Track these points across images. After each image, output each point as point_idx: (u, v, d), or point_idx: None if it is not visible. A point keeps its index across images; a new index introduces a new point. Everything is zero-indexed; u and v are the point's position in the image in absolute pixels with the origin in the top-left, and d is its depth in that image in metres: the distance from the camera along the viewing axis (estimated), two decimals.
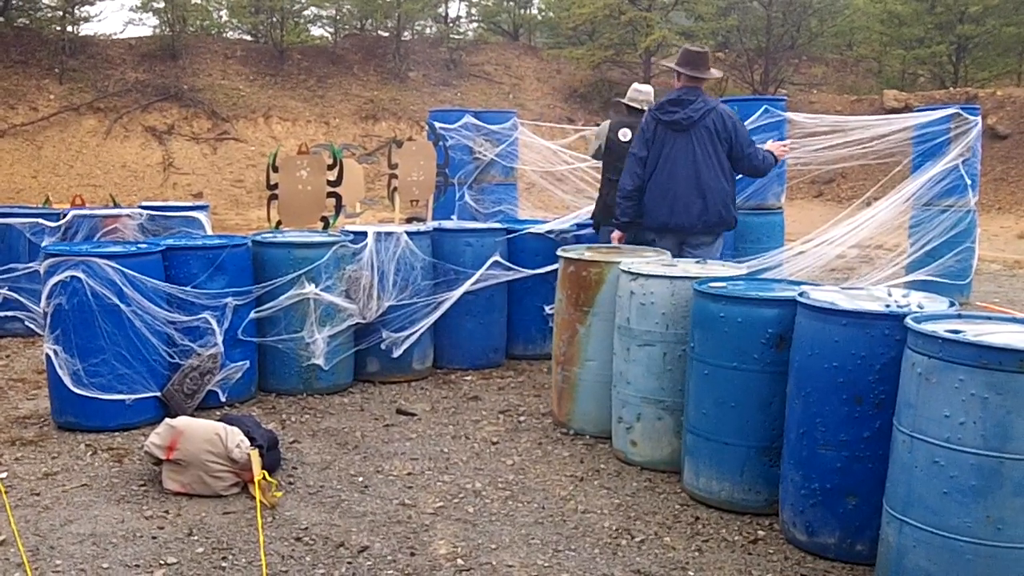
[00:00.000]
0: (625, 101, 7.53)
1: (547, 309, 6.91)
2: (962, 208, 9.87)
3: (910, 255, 9.58)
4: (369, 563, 4.05)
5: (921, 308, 4.05)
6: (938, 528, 3.50)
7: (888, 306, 4.11)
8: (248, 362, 6.24)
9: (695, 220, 6.33)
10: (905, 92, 24.90)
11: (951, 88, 24.98)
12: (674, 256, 6.14)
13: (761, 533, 4.45)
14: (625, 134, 7.16)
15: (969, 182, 9.90)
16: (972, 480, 3.39)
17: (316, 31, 29.64)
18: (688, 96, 6.34)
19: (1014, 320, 3.96)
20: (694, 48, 6.60)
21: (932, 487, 3.50)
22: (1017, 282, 12.39)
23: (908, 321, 3.65)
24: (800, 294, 4.32)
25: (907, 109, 20.10)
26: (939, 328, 3.58)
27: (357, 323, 6.61)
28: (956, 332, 3.50)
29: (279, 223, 7.39)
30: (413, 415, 6.17)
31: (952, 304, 4.18)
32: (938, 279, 9.79)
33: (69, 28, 23.55)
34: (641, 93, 7.53)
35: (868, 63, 31.34)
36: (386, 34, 28.27)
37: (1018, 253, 15.14)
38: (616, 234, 6.80)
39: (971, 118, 9.90)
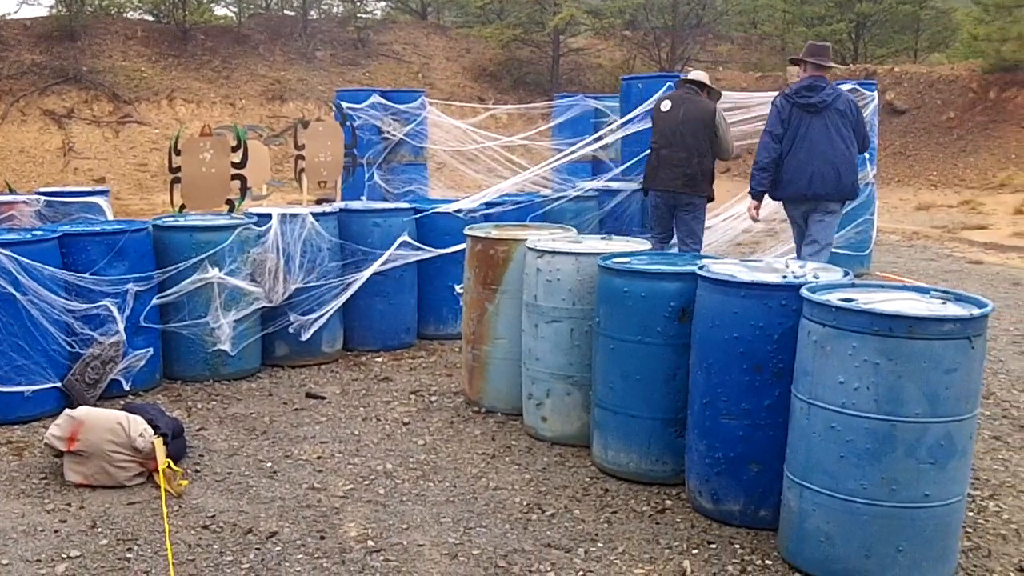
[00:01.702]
0: (689, 77, 7.89)
1: (457, 288, 6.91)
2: (861, 182, 10.10)
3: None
4: (278, 548, 4.02)
5: (816, 279, 4.15)
6: (836, 491, 3.61)
7: (785, 277, 4.21)
8: (152, 349, 6.11)
9: (830, 189, 7.03)
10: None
11: (851, 65, 25.55)
12: (801, 223, 7.24)
13: (669, 503, 4.53)
14: (665, 105, 7.64)
15: (868, 156, 10.13)
16: (867, 444, 3.51)
17: (220, 11, 29.09)
18: (819, 83, 7.08)
19: (905, 288, 4.09)
20: (818, 42, 7.54)
21: (829, 452, 3.60)
22: (915, 252, 12.77)
23: (803, 291, 3.75)
24: (700, 267, 4.39)
25: None
26: (833, 297, 3.68)
27: (264, 307, 6.52)
28: (849, 301, 3.60)
29: (183, 207, 7.26)
30: (323, 398, 6.12)
31: (846, 274, 4.29)
32: (840, 251, 10.02)
33: None
34: (699, 74, 7.95)
35: (772, 40, 31.88)
36: (292, 13, 27.82)
37: (916, 224, 15.59)
38: (752, 203, 7.40)
39: (868, 94, 10.14)
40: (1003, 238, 14.30)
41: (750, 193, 7.35)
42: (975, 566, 3.93)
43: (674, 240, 7.97)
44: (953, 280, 10.20)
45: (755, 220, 7.66)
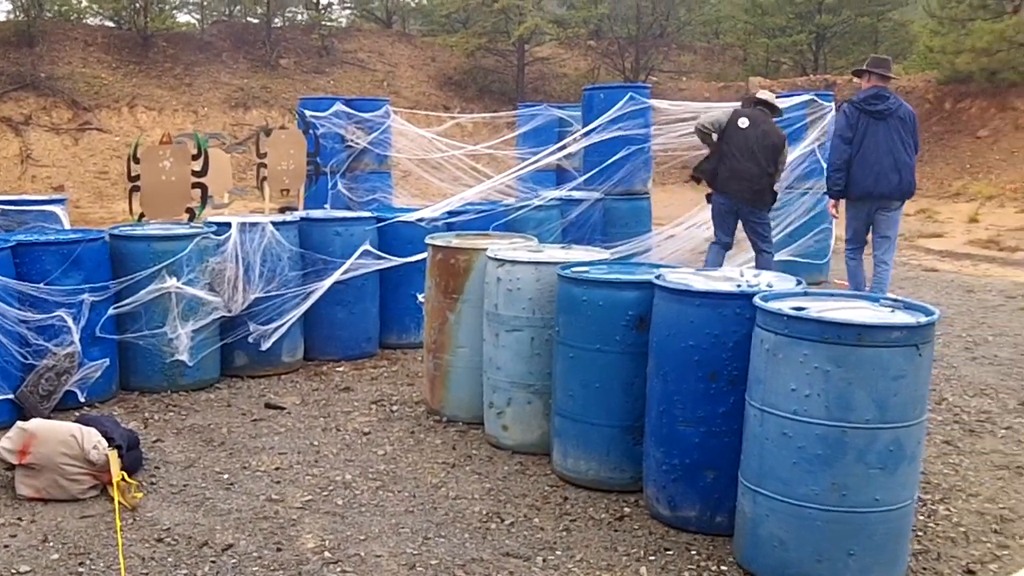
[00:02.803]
0: (755, 95, 8.56)
1: (419, 297, 6.91)
2: (819, 191, 10.21)
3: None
4: (234, 561, 4.00)
5: (770, 287, 4.20)
6: (789, 497, 3.65)
7: (739, 286, 4.25)
8: (108, 360, 6.06)
9: (894, 189, 7.78)
10: (769, 79, 25.67)
11: (811, 75, 25.86)
12: (866, 221, 7.97)
13: (627, 510, 4.56)
14: (743, 122, 8.10)
15: (825, 165, 10.23)
16: (818, 450, 3.55)
17: (182, 18, 28.86)
18: (884, 92, 7.84)
19: (856, 296, 4.15)
20: (881, 56, 8.39)
21: (782, 458, 3.65)
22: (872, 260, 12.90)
23: (756, 300, 3.80)
24: (657, 276, 4.43)
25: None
26: (784, 306, 3.73)
27: (222, 316, 6.49)
28: (800, 309, 3.65)
29: (142, 216, 7.20)
30: (282, 409, 6.09)
31: (799, 283, 4.34)
32: (798, 259, 10.15)
33: None
34: (771, 96, 8.56)
35: (734, 51, 32.17)
36: (256, 21, 27.67)
37: None
38: (831, 202, 8.31)
39: (826, 104, 10.27)
40: (957, 246, 14.52)
41: (827, 193, 8.25)
42: (925, 569, 3.99)
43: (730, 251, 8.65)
44: (909, 287, 10.35)
45: (835, 217, 8.70)
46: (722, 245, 8.44)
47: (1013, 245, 14.54)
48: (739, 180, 8.06)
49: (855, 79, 8.44)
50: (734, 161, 8.04)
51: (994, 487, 4.91)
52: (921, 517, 4.48)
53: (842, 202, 8.19)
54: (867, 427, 3.50)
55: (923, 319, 3.59)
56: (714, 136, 8.16)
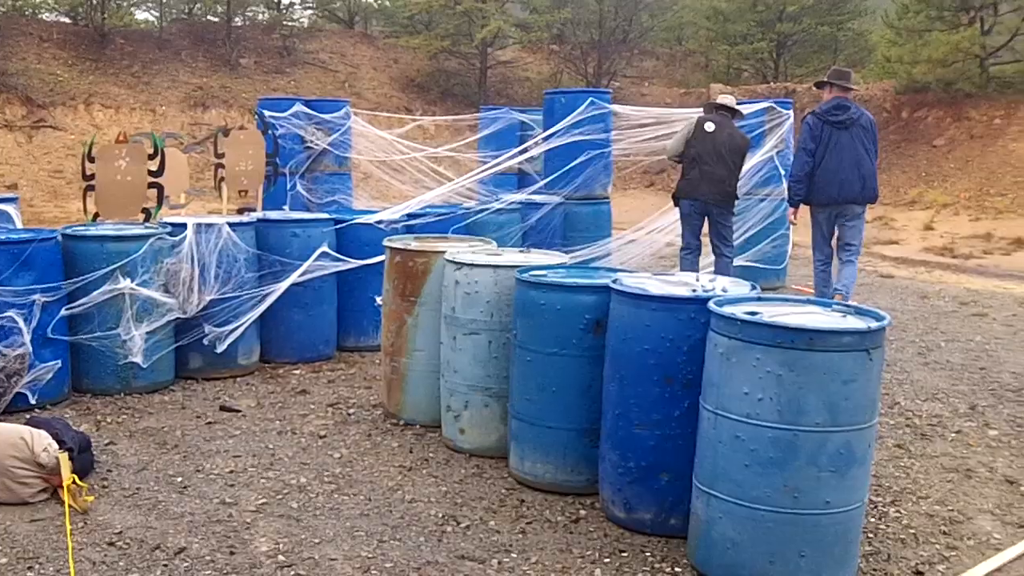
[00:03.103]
0: (716, 101, 8.83)
1: (377, 300, 6.89)
2: (777, 197, 10.33)
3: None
4: (186, 564, 3.96)
5: (725, 292, 4.24)
6: (741, 499, 3.69)
7: (694, 291, 4.29)
8: (60, 362, 5.97)
9: (857, 194, 8.04)
10: (730, 86, 25.86)
11: (772, 83, 26.10)
12: (830, 226, 8.18)
13: (583, 512, 4.57)
14: (710, 126, 8.42)
15: (782, 172, 10.35)
16: (770, 452, 3.59)
17: (141, 15, 28.51)
18: (845, 103, 8.10)
19: (809, 301, 4.19)
20: (842, 68, 8.67)
21: (735, 461, 3.68)
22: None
23: (711, 304, 3.83)
24: (614, 281, 4.45)
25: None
26: (738, 311, 3.76)
27: (177, 318, 6.42)
28: (754, 314, 3.68)
29: (96, 215, 7.12)
30: (237, 411, 6.05)
31: (754, 288, 4.38)
32: (756, 264, 10.25)
33: None
34: (732, 100, 8.87)
35: (696, 57, 32.37)
36: (216, 20, 27.41)
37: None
38: (791, 210, 8.51)
39: (784, 112, 10.37)
40: (913, 253, 14.75)
41: (789, 201, 8.44)
42: (875, 570, 4.05)
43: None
44: (864, 293, 10.47)
45: (794, 224, 8.95)
46: (693, 250, 8.69)
47: (967, 252, 14.79)
48: (710, 183, 8.33)
49: (816, 90, 8.58)
50: (704, 165, 8.32)
51: (944, 490, 4.98)
52: (872, 519, 4.54)
53: (805, 211, 8.36)
54: (818, 430, 3.54)
55: (874, 324, 3.63)
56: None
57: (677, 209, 8.79)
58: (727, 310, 3.76)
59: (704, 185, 8.37)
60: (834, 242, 8.27)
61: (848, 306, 3.98)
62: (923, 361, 7.59)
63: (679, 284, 4.49)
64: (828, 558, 3.67)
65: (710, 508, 3.81)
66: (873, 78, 25.47)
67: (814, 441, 3.54)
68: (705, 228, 8.80)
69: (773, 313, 3.78)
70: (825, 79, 8.37)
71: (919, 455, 5.50)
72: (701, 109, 8.97)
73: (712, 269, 8.51)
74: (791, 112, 10.54)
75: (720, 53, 29.54)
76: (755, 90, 23.96)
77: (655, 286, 4.40)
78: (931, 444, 5.68)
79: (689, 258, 8.71)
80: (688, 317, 4.04)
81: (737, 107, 8.72)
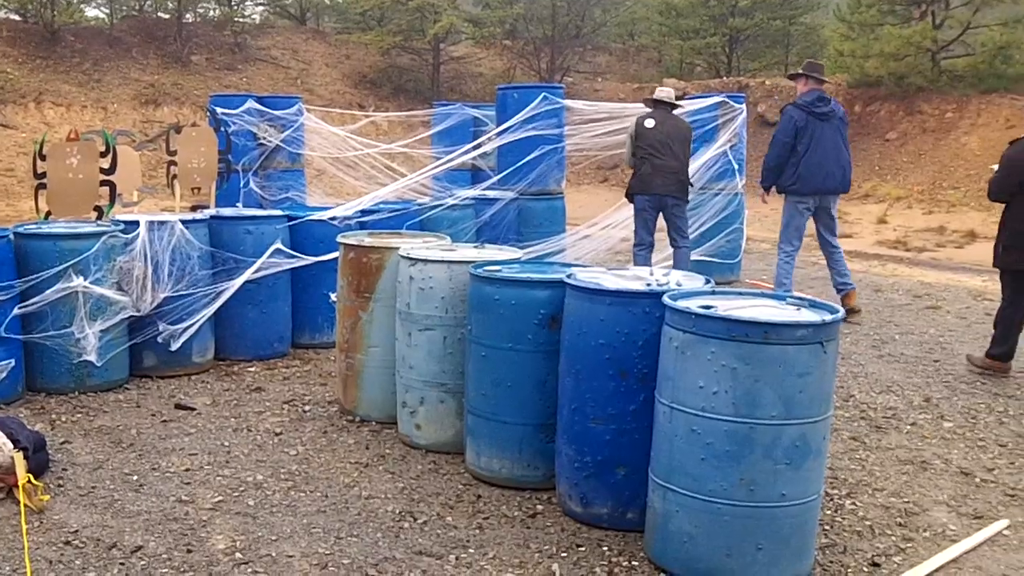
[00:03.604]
0: (653, 96, 8.98)
1: (332, 296, 6.85)
2: (731, 191, 10.42)
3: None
4: (143, 563, 3.92)
5: (679, 286, 4.26)
6: (698, 492, 3.71)
7: (649, 285, 4.31)
8: (13, 361, 5.88)
9: (838, 184, 8.54)
10: (683, 81, 26.03)
11: (724, 77, 26.30)
12: (807, 215, 8.60)
13: (540, 507, 4.58)
14: (649, 122, 8.68)
15: (736, 167, 10.46)
16: (726, 446, 3.62)
17: (91, 12, 28.12)
18: (824, 95, 8.52)
19: (763, 295, 4.23)
20: (816, 61, 9.07)
21: (691, 454, 3.70)
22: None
23: (665, 299, 3.85)
24: (568, 276, 4.46)
25: (685, 97, 21.03)
26: (693, 304, 3.79)
27: (131, 316, 6.35)
28: (708, 308, 3.71)
29: (48, 214, 7.03)
30: (193, 409, 5.99)
31: (708, 281, 4.42)
32: (711, 259, 10.32)
33: None
34: (668, 92, 9.06)
35: (649, 53, 32.54)
36: (167, 16, 27.08)
37: None
38: (763, 193, 8.89)
39: (736, 106, 10.45)
40: (867, 246, 14.94)
41: (762, 185, 8.78)
42: (831, 562, 4.09)
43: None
44: (819, 287, 10.57)
45: (766, 203, 9.23)
46: (646, 246, 8.86)
47: (920, 245, 15.02)
48: (663, 175, 8.58)
49: (791, 82, 8.99)
50: (654, 159, 8.57)
51: (899, 482, 5.05)
52: (828, 511, 4.59)
53: (775, 196, 8.83)
54: (773, 423, 3.57)
55: (828, 317, 3.67)
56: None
57: (631, 205, 8.90)
58: (681, 304, 3.78)
59: (657, 179, 8.59)
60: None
61: (802, 299, 4.03)
62: (878, 354, 7.69)
63: (633, 278, 4.51)
64: (785, 550, 3.71)
65: (666, 502, 3.83)
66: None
67: (769, 434, 3.57)
68: (660, 224, 8.90)
69: (727, 307, 3.81)
70: (800, 71, 8.71)
71: (874, 447, 5.57)
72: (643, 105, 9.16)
73: (669, 263, 8.60)
74: (744, 106, 10.63)
75: (673, 48, 29.73)
76: (708, 85, 24.13)
77: (609, 281, 4.42)
78: (886, 436, 5.76)
79: (643, 254, 8.81)
80: (643, 311, 4.06)
81: (672, 100, 8.94)
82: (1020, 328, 7.01)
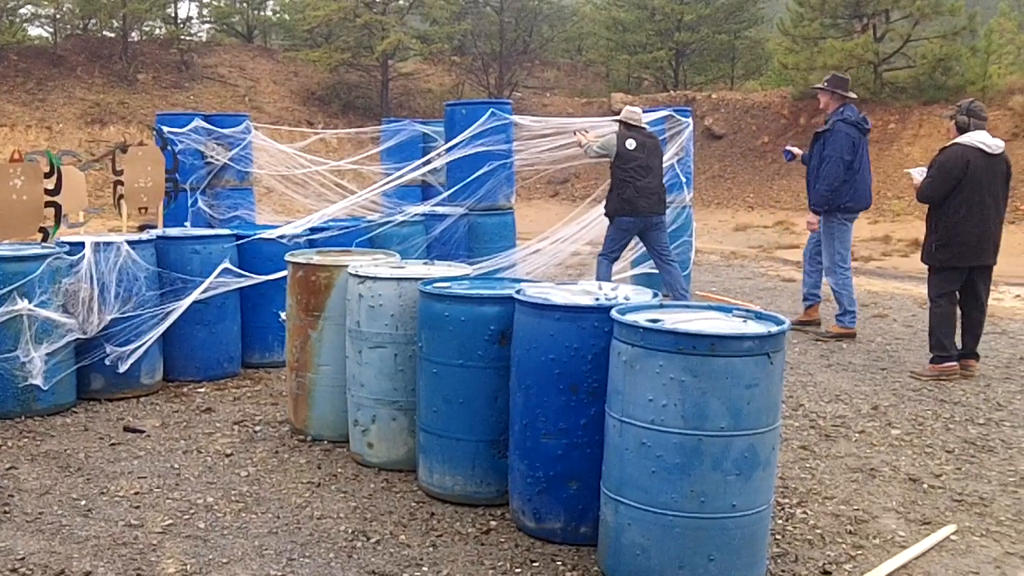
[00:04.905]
0: (623, 119, 8.99)
1: (281, 315, 6.81)
2: (679, 204, 10.51)
3: (635, 250, 10.09)
4: None
5: (628, 300, 4.30)
6: (649, 505, 3.73)
7: (597, 299, 4.34)
8: None
9: (871, 199, 8.73)
10: (631, 95, 26.27)
11: (672, 91, 26.58)
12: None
13: (493, 523, 4.58)
14: (631, 143, 8.71)
15: (684, 180, 10.55)
16: (676, 458, 3.64)
17: (34, 31, 27.76)
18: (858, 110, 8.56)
19: (710, 307, 4.28)
20: (842, 75, 8.92)
21: (641, 467, 3.73)
22: (733, 271, 13.36)
23: (613, 313, 3.88)
24: (517, 291, 4.48)
25: None
26: (640, 318, 3.82)
27: (78, 338, 6.27)
28: (655, 321, 3.74)
29: None
30: (142, 432, 5.92)
31: (655, 295, 4.46)
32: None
33: None
34: (636, 113, 9.11)
35: (597, 67, 32.82)
36: (112, 35, 26.81)
37: (734, 244, 16.31)
38: (814, 219, 8.65)
39: (683, 120, 10.56)
40: None
41: (820, 208, 8.48)
42: (783, 571, 4.14)
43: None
44: (767, 297, 10.71)
45: (815, 229, 8.82)
46: (613, 260, 8.96)
47: (866, 255, 15.24)
48: (648, 196, 8.72)
49: (819, 96, 8.82)
50: (637, 182, 8.66)
51: (848, 490, 5.12)
52: (779, 521, 4.64)
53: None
54: (722, 435, 3.61)
55: (774, 328, 3.72)
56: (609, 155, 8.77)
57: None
58: (629, 318, 3.82)
59: (642, 201, 8.70)
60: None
61: (749, 311, 4.08)
62: (826, 363, 7.79)
63: (582, 293, 4.54)
64: (736, 561, 3.74)
65: (618, 515, 3.85)
66: (770, 85, 26.14)
67: (718, 445, 3.61)
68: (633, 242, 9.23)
69: (675, 320, 3.85)
70: (826, 86, 8.62)
71: (824, 456, 5.64)
72: (606, 120, 9.24)
73: (664, 288, 8.79)
74: (690, 120, 10.74)
75: (620, 63, 30.01)
76: (655, 99, 24.37)
77: (558, 296, 4.44)
78: (835, 445, 5.84)
79: (607, 264, 8.91)
80: (592, 326, 4.08)
81: (642, 124, 9.07)
82: (955, 323, 7.24)
